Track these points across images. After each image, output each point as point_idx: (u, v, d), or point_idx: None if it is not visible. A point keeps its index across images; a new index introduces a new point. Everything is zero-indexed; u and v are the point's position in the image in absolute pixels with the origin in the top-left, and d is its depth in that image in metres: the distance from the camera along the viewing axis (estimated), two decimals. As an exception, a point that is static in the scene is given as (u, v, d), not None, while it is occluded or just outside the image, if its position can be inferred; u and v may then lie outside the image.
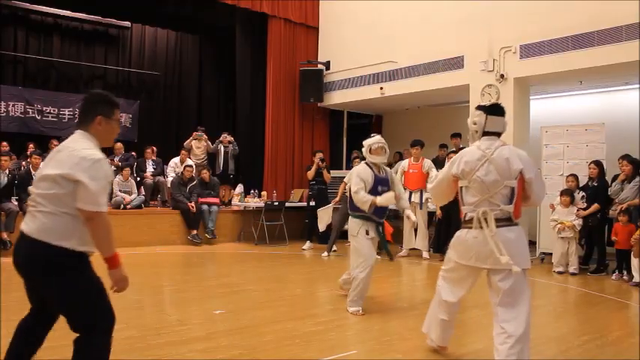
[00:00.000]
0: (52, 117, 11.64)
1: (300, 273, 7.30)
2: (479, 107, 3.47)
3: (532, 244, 8.94)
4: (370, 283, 4.95)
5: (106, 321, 2.58)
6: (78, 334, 2.53)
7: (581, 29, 7.70)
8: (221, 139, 11.09)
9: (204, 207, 9.74)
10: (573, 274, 7.33)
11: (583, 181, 7.89)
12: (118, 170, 10.05)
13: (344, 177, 9.95)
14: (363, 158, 5.19)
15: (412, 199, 8.43)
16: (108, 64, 12.67)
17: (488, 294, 3.43)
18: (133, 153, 11.22)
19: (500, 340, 3.14)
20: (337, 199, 8.84)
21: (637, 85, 8.84)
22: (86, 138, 2.59)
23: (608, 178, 7.76)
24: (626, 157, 7.42)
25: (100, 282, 2.58)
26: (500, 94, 8.64)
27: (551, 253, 7.85)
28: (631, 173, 7.25)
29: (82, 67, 12.30)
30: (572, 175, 7.90)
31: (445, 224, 8.03)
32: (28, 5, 11.25)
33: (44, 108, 11.50)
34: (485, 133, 3.40)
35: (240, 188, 10.96)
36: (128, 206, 9.44)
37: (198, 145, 11.23)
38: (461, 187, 3.36)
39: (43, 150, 9.36)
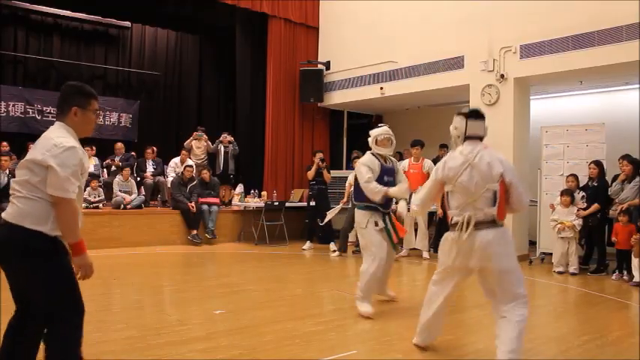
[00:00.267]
0: (52, 117, 11.59)
1: (300, 273, 7.30)
2: (459, 113, 3.56)
3: (532, 244, 8.98)
4: (379, 278, 4.88)
5: (75, 313, 2.59)
6: (47, 329, 2.55)
7: (581, 29, 7.70)
8: (221, 139, 11.09)
9: (205, 207, 9.74)
10: (573, 274, 7.33)
11: (583, 181, 7.89)
12: (118, 170, 10.06)
13: (344, 177, 9.99)
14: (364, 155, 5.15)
15: (412, 200, 8.41)
16: (108, 64, 12.67)
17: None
18: (133, 153, 11.23)
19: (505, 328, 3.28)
20: (345, 199, 8.82)
21: (637, 85, 8.84)
22: (63, 128, 2.66)
23: (608, 178, 7.76)
24: (626, 157, 7.43)
25: (73, 273, 2.60)
26: (500, 94, 8.64)
27: (551, 253, 7.85)
28: (631, 173, 7.25)
29: (82, 67, 12.31)
30: (572, 175, 7.90)
31: (445, 224, 8.02)
32: (28, 5, 11.25)
33: (44, 108, 11.50)
34: (467, 138, 3.47)
35: (240, 188, 10.97)
36: (128, 206, 9.45)
37: (198, 145, 11.23)
38: (446, 192, 3.49)
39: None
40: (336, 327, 4.42)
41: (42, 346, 2.66)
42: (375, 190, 4.70)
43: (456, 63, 9.31)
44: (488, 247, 3.29)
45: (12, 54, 11.44)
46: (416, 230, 8.56)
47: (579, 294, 6.25)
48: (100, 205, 9.28)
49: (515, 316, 3.26)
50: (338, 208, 8.68)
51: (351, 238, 9.79)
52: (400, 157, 11.06)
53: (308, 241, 9.60)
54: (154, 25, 13.07)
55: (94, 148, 10.66)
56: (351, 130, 12.73)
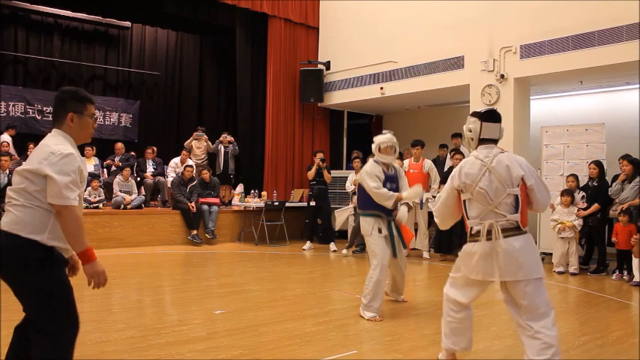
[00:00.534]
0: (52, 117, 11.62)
1: (301, 273, 7.30)
2: (474, 114, 3.35)
3: (532, 244, 8.96)
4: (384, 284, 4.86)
5: (68, 329, 2.49)
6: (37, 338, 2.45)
7: (581, 29, 7.70)
8: (221, 139, 11.09)
9: (205, 207, 9.74)
10: (573, 274, 7.33)
11: (583, 181, 7.89)
12: (119, 170, 10.06)
13: (344, 177, 10.00)
14: (364, 158, 5.15)
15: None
16: (108, 64, 12.67)
17: (487, 294, 3.43)
18: (133, 153, 11.23)
19: (536, 349, 3.06)
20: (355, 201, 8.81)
21: (637, 85, 8.85)
22: (60, 135, 2.59)
23: (608, 178, 7.76)
24: (626, 157, 7.43)
25: (68, 286, 2.51)
26: (500, 94, 8.65)
27: (551, 253, 7.85)
28: (631, 173, 7.26)
29: (83, 67, 12.30)
30: (572, 175, 7.90)
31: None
32: (28, 5, 11.24)
33: (44, 108, 11.50)
34: (482, 141, 3.29)
35: (240, 188, 10.97)
36: (128, 206, 9.45)
37: (198, 145, 11.24)
38: (464, 200, 3.27)
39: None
40: (337, 327, 4.42)
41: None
42: (386, 196, 4.69)
43: (456, 63, 9.32)
44: (516, 256, 3.04)
45: (12, 54, 11.44)
46: (416, 230, 8.56)
47: (579, 294, 6.25)
48: (100, 205, 9.29)
49: (552, 337, 3.02)
50: (349, 208, 8.58)
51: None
52: (400, 157, 11.07)
53: (308, 241, 9.60)
54: (154, 25, 13.07)
55: (94, 148, 10.68)
56: (351, 130, 12.74)
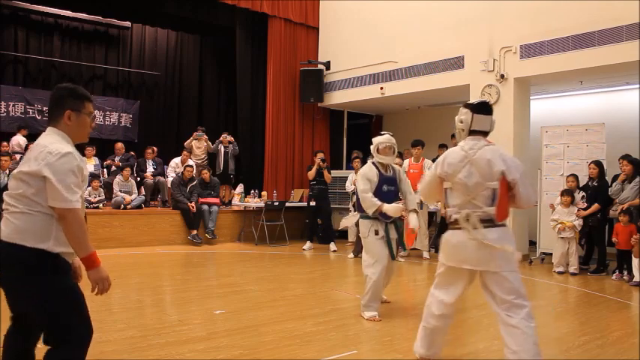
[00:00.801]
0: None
1: (301, 273, 7.30)
2: (466, 105, 3.37)
3: (532, 244, 8.99)
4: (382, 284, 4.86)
5: (81, 336, 2.39)
6: (49, 347, 2.36)
7: (582, 29, 7.70)
8: (221, 139, 11.09)
9: (205, 207, 9.75)
10: (573, 274, 7.34)
11: (583, 181, 7.89)
12: (119, 170, 10.06)
13: (344, 177, 10.00)
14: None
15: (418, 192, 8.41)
16: (108, 64, 12.66)
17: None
18: (132, 153, 11.23)
19: (513, 340, 3.11)
20: None
21: (637, 85, 8.85)
22: (56, 134, 2.46)
23: (608, 178, 7.77)
24: (626, 157, 7.44)
25: (79, 293, 2.41)
26: (500, 94, 8.65)
27: (551, 253, 7.85)
28: (631, 173, 7.26)
29: (83, 67, 12.30)
30: (572, 175, 7.90)
31: (446, 224, 8.02)
32: (28, 5, 11.24)
33: (44, 108, 11.48)
34: (472, 132, 3.31)
35: (240, 188, 10.98)
36: (128, 206, 9.45)
37: (198, 145, 11.24)
38: (445, 189, 3.33)
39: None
40: (337, 327, 4.43)
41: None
42: (370, 203, 4.69)
43: (456, 63, 9.32)
44: (489, 247, 3.11)
45: (12, 54, 11.44)
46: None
47: (579, 294, 6.25)
48: (100, 205, 9.28)
49: (528, 328, 3.06)
50: (357, 215, 8.51)
51: (351, 238, 9.81)
52: (400, 157, 11.08)
53: (308, 241, 9.60)
54: (154, 25, 13.07)
55: (94, 148, 10.68)
56: (351, 130, 12.74)
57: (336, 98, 11.70)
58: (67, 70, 12.11)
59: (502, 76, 8.62)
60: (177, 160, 10.89)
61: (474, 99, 8.83)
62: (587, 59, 7.68)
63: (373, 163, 4.95)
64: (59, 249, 2.34)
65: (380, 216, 4.74)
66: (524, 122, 8.91)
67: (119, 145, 11.16)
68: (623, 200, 7.22)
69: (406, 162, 8.80)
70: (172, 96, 13.49)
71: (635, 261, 6.70)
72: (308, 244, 9.53)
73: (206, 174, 10.13)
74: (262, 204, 10.05)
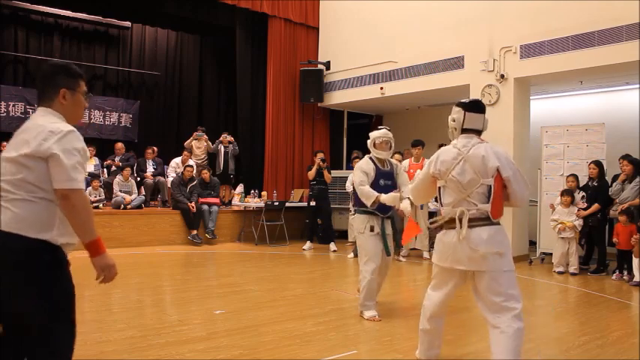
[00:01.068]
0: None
1: (301, 273, 7.31)
2: (458, 104, 3.33)
3: (532, 244, 8.98)
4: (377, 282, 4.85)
5: (73, 335, 2.27)
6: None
7: (582, 29, 7.70)
8: (221, 139, 11.10)
9: (205, 207, 9.75)
10: (573, 274, 7.34)
11: (583, 181, 7.90)
12: (119, 170, 10.06)
13: (344, 177, 10.00)
14: (363, 157, 5.11)
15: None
16: (108, 64, 12.66)
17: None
18: (132, 153, 11.23)
19: (496, 341, 3.06)
20: None
21: (637, 85, 8.85)
22: (51, 114, 2.27)
23: (608, 178, 7.77)
24: (626, 157, 7.44)
25: (73, 292, 2.25)
26: (500, 94, 8.64)
27: (551, 253, 7.86)
28: (632, 173, 7.26)
29: (83, 67, 12.13)
30: (572, 175, 7.90)
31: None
32: (28, 5, 11.24)
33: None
34: (464, 131, 3.28)
35: (240, 188, 10.98)
36: (128, 206, 9.45)
37: (198, 145, 11.24)
38: (439, 187, 3.31)
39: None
40: (337, 327, 4.43)
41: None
42: (367, 195, 4.67)
43: (456, 63, 9.32)
44: (481, 247, 3.06)
45: (12, 54, 11.43)
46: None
47: (579, 294, 6.25)
48: (100, 205, 9.28)
49: (512, 329, 2.99)
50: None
51: (350, 238, 9.80)
52: (400, 156, 11.09)
53: (308, 241, 9.60)
54: (154, 25, 13.07)
55: (94, 148, 10.68)
56: (351, 130, 12.74)
57: (336, 98, 11.70)
58: (67, 70, 12.09)
59: (502, 76, 8.62)
60: (177, 160, 10.90)
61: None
62: (587, 59, 7.68)
63: (370, 157, 4.93)
64: (62, 240, 2.19)
65: (377, 210, 4.73)
66: (524, 122, 8.91)
67: (119, 145, 11.16)
68: (624, 200, 7.23)
69: (406, 162, 8.80)
70: (172, 96, 13.48)
71: (635, 261, 6.71)
72: (308, 244, 9.53)
73: (206, 174, 10.14)
74: (262, 204, 10.05)
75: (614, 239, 7.14)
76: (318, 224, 9.95)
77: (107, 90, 12.61)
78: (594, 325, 4.73)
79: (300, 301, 5.41)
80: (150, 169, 10.64)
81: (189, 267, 7.77)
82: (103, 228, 8.84)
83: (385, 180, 4.83)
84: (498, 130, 8.22)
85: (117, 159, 10.83)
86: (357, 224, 4.84)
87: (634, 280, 6.65)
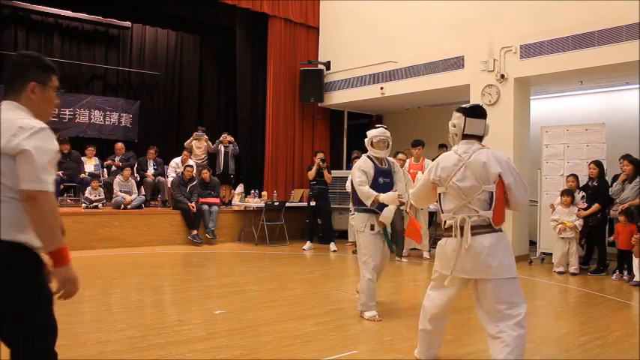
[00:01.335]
0: (53, 117, 11.62)
1: (301, 273, 7.30)
2: (459, 109, 3.29)
3: (532, 244, 8.98)
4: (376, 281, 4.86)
5: (54, 342, 2.08)
6: None
7: (582, 29, 7.70)
8: (221, 139, 11.10)
9: (205, 207, 9.74)
10: (574, 274, 7.34)
11: (583, 181, 7.89)
12: (119, 170, 10.06)
13: (344, 177, 9.99)
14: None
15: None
16: (108, 64, 12.66)
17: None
18: (132, 153, 11.22)
19: (496, 350, 3.03)
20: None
21: (637, 85, 8.84)
22: (19, 109, 2.09)
23: (608, 178, 7.77)
24: (627, 157, 7.44)
25: (52, 297, 2.06)
26: (500, 94, 8.64)
27: (551, 253, 7.86)
28: (632, 173, 7.26)
29: (83, 67, 12.30)
30: (572, 175, 7.90)
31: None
32: (28, 5, 11.24)
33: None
34: (465, 136, 3.24)
35: (240, 188, 10.97)
36: (128, 206, 9.44)
37: (198, 145, 11.24)
38: (439, 194, 3.28)
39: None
40: (337, 327, 4.43)
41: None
42: (367, 195, 4.67)
43: (456, 63, 9.31)
44: (485, 255, 3.02)
45: (12, 54, 11.40)
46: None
47: (579, 294, 6.25)
48: (100, 205, 9.27)
49: (512, 337, 2.94)
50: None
51: (351, 238, 9.80)
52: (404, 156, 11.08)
53: (308, 241, 9.60)
54: (154, 25, 13.07)
55: (94, 148, 10.69)
56: (351, 130, 12.74)
57: (336, 98, 11.70)
58: (67, 70, 12.09)
59: (502, 76, 8.61)
60: (177, 160, 10.90)
61: (472, 100, 8.92)
62: (587, 59, 7.68)
63: (368, 156, 4.93)
64: (38, 242, 2.01)
65: (376, 208, 4.73)
66: (525, 122, 8.91)
67: (119, 145, 11.16)
68: (624, 200, 7.23)
69: (406, 162, 8.80)
70: (172, 96, 13.49)
71: (635, 261, 6.70)
72: (308, 244, 9.53)
73: (206, 174, 10.14)
74: (262, 204, 10.05)
75: (612, 238, 7.16)
76: (318, 224, 9.95)
77: (107, 90, 12.62)
78: (594, 325, 4.73)
79: (300, 301, 5.40)
80: (150, 169, 10.64)
81: (190, 267, 7.77)
82: (103, 228, 8.85)
83: (384, 178, 4.84)
84: (498, 130, 8.22)
85: (117, 159, 10.82)
86: (357, 223, 4.84)
87: (634, 280, 6.65)
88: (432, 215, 9.13)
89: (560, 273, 7.42)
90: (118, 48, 12.82)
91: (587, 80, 8.92)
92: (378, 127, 4.98)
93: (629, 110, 9.20)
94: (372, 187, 4.72)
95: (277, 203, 10.16)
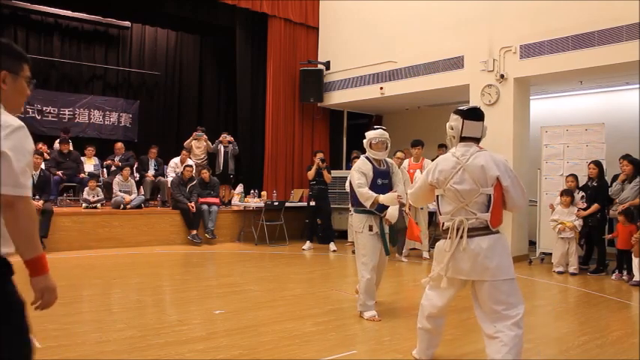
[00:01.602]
0: (52, 117, 11.65)
1: (300, 273, 7.30)
2: (456, 111, 3.29)
3: (532, 244, 8.98)
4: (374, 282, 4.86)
5: (31, 352, 1.92)
6: None
7: (582, 29, 7.70)
8: (221, 139, 11.10)
9: (204, 207, 9.74)
10: (573, 274, 7.34)
11: (583, 181, 7.89)
12: (118, 170, 10.06)
13: (344, 177, 9.99)
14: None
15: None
16: (108, 64, 12.66)
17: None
18: (131, 152, 11.22)
19: (493, 350, 3.04)
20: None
21: (637, 85, 8.85)
22: None
23: (608, 178, 7.77)
24: (626, 157, 7.44)
25: (25, 308, 1.89)
26: (500, 94, 8.64)
27: (550, 253, 7.86)
28: (631, 173, 7.26)
29: (83, 67, 12.30)
30: (571, 175, 7.90)
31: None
32: (28, 5, 11.24)
33: (44, 108, 11.51)
34: (463, 139, 3.25)
35: (240, 188, 10.97)
36: (128, 206, 9.44)
37: (198, 145, 11.24)
38: (437, 196, 3.29)
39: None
40: (336, 327, 4.43)
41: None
42: (366, 196, 4.67)
43: (455, 63, 9.32)
44: (482, 256, 3.05)
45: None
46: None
47: (579, 294, 6.25)
48: (99, 205, 9.26)
49: (509, 337, 2.96)
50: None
51: (350, 238, 9.80)
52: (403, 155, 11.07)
53: (308, 241, 9.60)
54: (154, 25, 13.07)
55: (94, 148, 10.70)
56: (351, 130, 12.74)
57: (336, 98, 11.70)
58: (67, 70, 12.11)
59: (502, 76, 8.61)
60: (176, 160, 10.89)
61: (472, 100, 8.92)
62: (587, 59, 7.68)
63: (367, 157, 4.93)
64: (5, 249, 1.86)
65: (375, 209, 4.73)
66: (524, 122, 8.91)
67: (119, 145, 11.16)
68: (623, 200, 7.23)
69: (406, 162, 8.79)
70: (172, 96, 13.49)
71: (635, 261, 6.70)
72: (308, 244, 9.53)
73: (206, 174, 10.13)
74: (262, 204, 10.05)
75: (610, 236, 7.18)
76: (317, 224, 9.95)
77: (107, 90, 12.62)
78: (594, 325, 4.73)
79: (299, 301, 5.40)
80: (151, 169, 10.64)
81: (189, 267, 7.77)
82: (103, 228, 8.85)
83: (383, 179, 4.84)
84: (498, 130, 8.23)
85: (116, 159, 10.82)
86: (356, 223, 4.85)
87: (634, 279, 6.65)
88: (432, 215, 9.12)
89: (559, 273, 7.42)
90: (118, 48, 12.82)
91: (586, 80, 8.92)
92: (377, 129, 4.97)
93: (628, 110, 9.20)
94: (370, 188, 4.73)
95: (277, 203, 10.16)
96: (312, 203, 9.64)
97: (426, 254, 8.52)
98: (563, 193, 7.68)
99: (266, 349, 3.80)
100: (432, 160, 9.25)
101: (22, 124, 1.86)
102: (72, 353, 3.55)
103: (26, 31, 11.62)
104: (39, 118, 11.42)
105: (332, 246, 9.38)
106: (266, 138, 11.69)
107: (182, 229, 9.64)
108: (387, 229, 4.85)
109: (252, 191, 10.75)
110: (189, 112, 13.56)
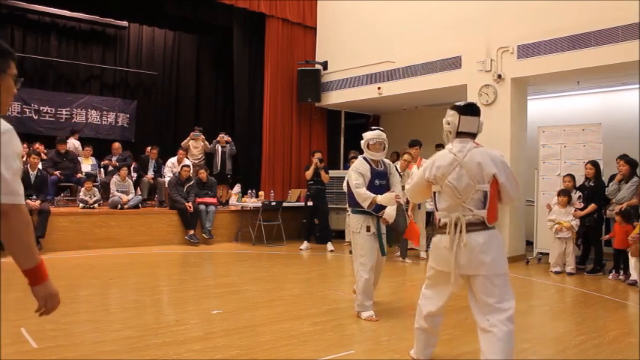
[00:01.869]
0: (49, 117, 11.64)
1: (298, 273, 7.30)
2: (453, 107, 3.31)
3: (529, 244, 9.00)
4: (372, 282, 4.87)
5: None
6: None
7: (579, 29, 7.72)
8: (218, 139, 11.09)
9: (202, 207, 9.73)
10: (570, 274, 7.35)
11: (580, 181, 7.91)
12: (115, 170, 10.05)
13: (342, 177, 9.99)
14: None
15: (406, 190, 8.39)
16: (105, 63, 12.66)
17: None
18: (129, 152, 11.21)
19: (486, 343, 3.08)
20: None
21: (634, 86, 8.87)
22: None
23: (605, 178, 7.79)
24: (623, 157, 7.46)
25: None
26: (497, 94, 8.65)
27: (548, 253, 7.87)
28: (628, 173, 7.28)
29: (80, 67, 12.29)
30: (569, 175, 7.92)
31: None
32: (25, 5, 11.22)
33: (41, 108, 11.50)
34: (459, 134, 3.27)
35: (237, 188, 10.97)
36: (125, 206, 9.43)
37: (195, 145, 11.23)
38: (434, 192, 3.31)
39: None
40: (334, 327, 4.43)
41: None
42: (364, 197, 4.68)
43: (453, 63, 9.33)
44: (478, 251, 3.09)
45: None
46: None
47: (576, 294, 6.27)
48: (96, 205, 9.25)
49: (503, 332, 3.01)
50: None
51: (348, 238, 9.80)
52: (397, 156, 11.07)
53: (305, 241, 9.60)
54: (151, 24, 13.07)
55: (91, 148, 10.69)
56: (349, 130, 12.73)
57: (334, 98, 11.70)
58: (64, 69, 12.09)
59: (499, 76, 8.62)
60: (173, 159, 10.88)
61: (470, 100, 8.93)
62: (585, 59, 7.69)
63: (364, 158, 4.94)
64: None
65: (372, 210, 4.73)
66: (522, 122, 8.92)
67: (116, 144, 11.15)
68: (620, 200, 7.25)
69: (414, 168, 8.77)
70: (170, 96, 13.48)
71: (631, 260, 6.72)
72: (305, 244, 9.53)
73: (203, 174, 10.13)
74: (259, 204, 10.05)
75: (607, 237, 7.19)
76: (315, 224, 9.95)
77: (104, 90, 12.61)
78: (591, 325, 4.74)
79: (297, 301, 5.41)
80: (150, 170, 10.64)
81: (187, 267, 7.77)
82: (100, 228, 8.84)
83: (380, 180, 4.85)
84: (495, 130, 8.24)
85: (114, 159, 10.81)
86: (353, 224, 4.85)
87: (630, 279, 6.67)
88: (429, 215, 9.12)
89: (556, 273, 7.44)
90: (115, 48, 12.81)
91: (584, 80, 8.94)
92: (375, 130, 4.98)
93: (626, 110, 9.22)
94: (368, 188, 4.74)
95: (274, 203, 10.16)
96: (310, 203, 9.64)
97: (423, 254, 8.53)
98: (560, 193, 7.69)
99: (263, 349, 3.80)
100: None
101: (10, 126, 1.77)
102: (70, 353, 3.54)
103: (23, 31, 11.61)
104: (36, 118, 11.41)
105: (329, 246, 9.38)
106: (263, 138, 11.69)
107: (179, 229, 9.63)
108: (383, 230, 4.85)
109: (249, 191, 10.74)
110: (186, 112, 13.56)
